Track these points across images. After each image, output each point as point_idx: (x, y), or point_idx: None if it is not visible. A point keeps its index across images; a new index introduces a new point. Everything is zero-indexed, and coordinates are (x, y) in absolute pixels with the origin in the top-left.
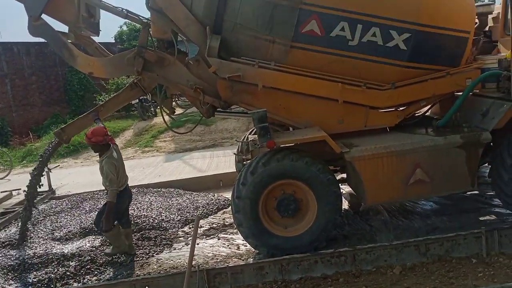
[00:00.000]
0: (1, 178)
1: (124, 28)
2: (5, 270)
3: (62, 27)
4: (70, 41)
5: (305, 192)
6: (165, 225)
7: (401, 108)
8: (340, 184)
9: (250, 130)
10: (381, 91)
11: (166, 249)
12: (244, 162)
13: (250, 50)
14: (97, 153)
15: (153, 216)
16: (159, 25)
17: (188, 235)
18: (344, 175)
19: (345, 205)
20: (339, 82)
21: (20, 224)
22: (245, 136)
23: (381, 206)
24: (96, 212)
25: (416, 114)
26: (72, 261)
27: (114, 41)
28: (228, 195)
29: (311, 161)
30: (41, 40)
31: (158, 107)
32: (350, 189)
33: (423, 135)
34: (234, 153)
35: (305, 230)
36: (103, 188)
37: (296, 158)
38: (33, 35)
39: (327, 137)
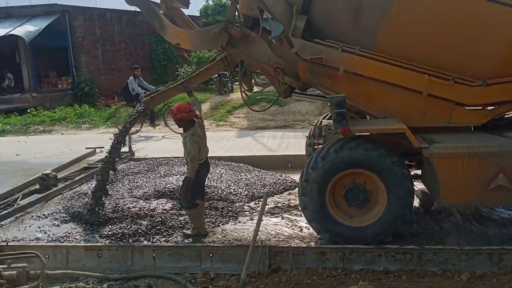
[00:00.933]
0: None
1: (210, 2)
2: (82, 221)
3: None
4: (161, 11)
5: (376, 184)
6: (232, 198)
7: (490, 108)
8: (413, 180)
9: (325, 115)
10: (470, 87)
11: (231, 221)
12: (315, 147)
13: (336, 33)
14: (180, 128)
15: (222, 188)
16: (246, 1)
17: (253, 211)
18: (419, 172)
19: (416, 202)
20: (426, 73)
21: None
22: (318, 120)
23: (454, 208)
24: (180, 188)
25: (506, 116)
26: (144, 220)
27: (199, 15)
28: (295, 176)
29: (385, 152)
30: (132, 8)
31: (236, 83)
32: (423, 186)
33: (511, 138)
34: (306, 136)
35: (372, 222)
36: (178, 155)
37: (370, 148)
38: (129, 3)
39: (406, 129)
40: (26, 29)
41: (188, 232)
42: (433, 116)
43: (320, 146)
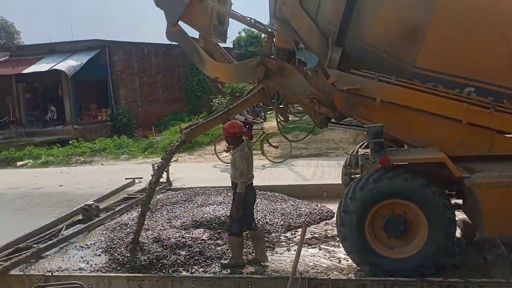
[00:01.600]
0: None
1: (243, 34)
2: (121, 249)
3: (193, 33)
4: (200, 46)
5: (416, 215)
6: (268, 228)
7: None
8: (454, 210)
9: (361, 144)
10: (511, 115)
11: (268, 251)
12: (352, 176)
13: (371, 64)
14: (230, 145)
15: (258, 218)
16: (282, 34)
17: (290, 241)
18: (460, 201)
19: (457, 232)
20: (465, 102)
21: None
22: (354, 149)
23: (498, 238)
24: (229, 212)
25: None
26: (183, 250)
27: (232, 46)
28: (331, 206)
29: (426, 182)
30: (168, 41)
31: (268, 111)
32: (465, 216)
33: None
34: (342, 165)
35: (413, 253)
36: (214, 185)
37: (410, 178)
38: (169, 39)
39: (446, 159)
40: (68, 64)
41: (226, 262)
42: (474, 145)
43: (357, 176)
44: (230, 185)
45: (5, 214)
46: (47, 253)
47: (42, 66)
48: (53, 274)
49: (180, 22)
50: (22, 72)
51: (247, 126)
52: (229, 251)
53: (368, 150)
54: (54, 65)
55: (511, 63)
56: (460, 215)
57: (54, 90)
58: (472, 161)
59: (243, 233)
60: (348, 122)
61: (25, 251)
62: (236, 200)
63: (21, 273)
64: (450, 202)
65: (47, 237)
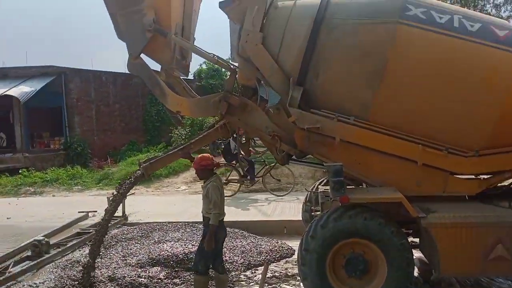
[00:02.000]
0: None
1: (204, 66)
2: None
3: (155, 65)
4: (161, 79)
5: (376, 254)
6: (228, 266)
7: (484, 177)
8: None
9: (321, 180)
10: (464, 158)
11: None
12: (312, 213)
13: (331, 103)
14: (201, 179)
15: None
16: (245, 72)
17: (250, 280)
18: (416, 240)
19: (415, 272)
20: (420, 143)
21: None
22: (314, 186)
23: (454, 278)
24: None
25: (500, 185)
26: None
27: (193, 78)
28: (291, 243)
29: (384, 222)
30: (127, 71)
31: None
32: (421, 255)
33: (506, 208)
34: (303, 202)
35: None
36: (171, 220)
37: (369, 217)
38: (130, 71)
39: (403, 199)
40: (21, 90)
41: None
42: (429, 186)
43: (318, 213)
44: (188, 220)
45: None
46: None
47: None
48: None
49: (142, 55)
50: None
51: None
52: None
53: (328, 187)
54: (6, 91)
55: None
56: (417, 254)
57: (5, 116)
58: (428, 201)
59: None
60: (309, 160)
61: None
62: (209, 232)
63: None
64: (408, 242)
65: None
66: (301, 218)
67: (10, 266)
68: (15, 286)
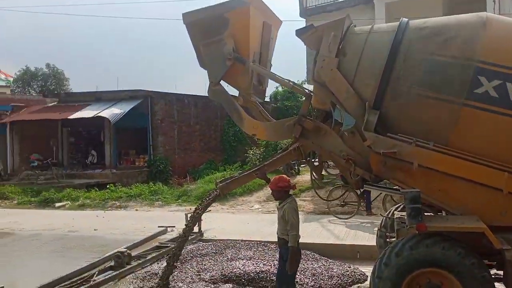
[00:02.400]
0: None
1: (280, 89)
2: None
3: (233, 90)
4: (239, 103)
5: (454, 285)
6: None
7: None
8: (494, 283)
9: (397, 206)
10: None
11: None
12: (388, 240)
13: (409, 127)
14: (277, 200)
15: None
16: (320, 96)
17: None
18: (500, 272)
19: None
20: (506, 171)
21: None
22: (390, 211)
23: None
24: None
25: None
26: None
27: (269, 100)
28: (364, 268)
29: (465, 253)
30: (206, 94)
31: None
32: None
33: None
34: (378, 228)
35: None
36: (244, 238)
37: (448, 247)
38: (211, 97)
39: (486, 229)
40: (112, 112)
41: None
42: None
43: (392, 239)
44: (260, 239)
45: (40, 255)
46: None
47: (87, 113)
48: None
49: (221, 81)
50: (68, 117)
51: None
52: None
53: (404, 213)
54: (99, 112)
55: None
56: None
57: (97, 135)
58: None
59: None
60: (384, 185)
61: None
62: (290, 254)
63: None
64: (490, 275)
65: (79, 281)
66: (375, 243)
67: (95, 275)
68: None
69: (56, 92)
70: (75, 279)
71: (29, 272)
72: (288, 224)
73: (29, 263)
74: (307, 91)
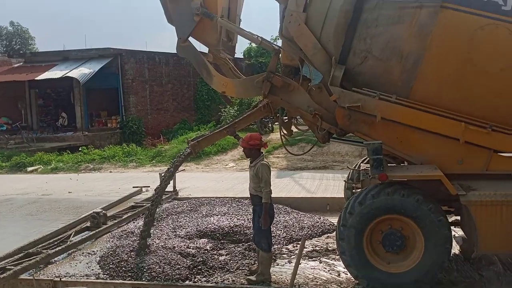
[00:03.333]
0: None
1: (253, 45)
2: (125, 256)
3: (203, 47)
4: (209, 60)
5: (413, 230)
6: None
7: None
8: (452, 227)
9: (363, 158)
10: (508, 135)
11: None
12: (354, 190)
13: (373, 81)
14: (249, 158)
15: None
16: (288, 52)
17: (292, 253)
18: (458, 217)
19: (456, 249)
20: (463, 121)
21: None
22: (357, 164)
23: (495, 256)
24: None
25: None
26: (187, 259)
27: (242, 57)
28: (334, 219)
29: (422, 199)
30: None
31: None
32: (463, 233)
33: None
34: (344, 180)
35: (409, 268)
36: (219, 195)
37: (407, 194)
38: (179, 54)
39: (443, 177)
40: (81, 71)
41: (253, 278)
42: (471, 163)
43: (359, 190)
44: (234, 195)
45: (15, 219)
46: (55, 258)
47: (55, 73)
48: (61, 279)
49: (190, 38)
50: (35, 78)
51: None
52: (231, 261)
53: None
54: (67, 72)
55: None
56: (459, 232)
57: (66, 96)
58: (468, 179)
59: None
60: (349, 138)
61: (35, 257)
62: (264, 210)
63: (31, 277)
64: (446, 218)
65: (56, 243)
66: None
67: (72, 236)
68: (75, 253)
69: (21, 52)
70: (52, 240)
71: (5, 235)
72: (262, 181)
73: (4, 227)
74: (275, 47)
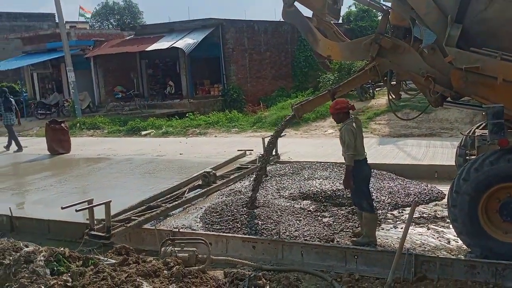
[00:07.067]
0: None
1: (353, 8)
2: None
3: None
4: (313, 25)
5: None
6: (375, 205)
7: None
8: None
9: (478, 124)
10: None
11: None
12: (467, 158)
13: (493, 41)
14: (339, 123)
15: None
16: (398, 12)
17: (397, 219)
18: None
19: None
20: None
21: (253, 182)
22: (471, 130)
23: None
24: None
25: None
26: (293, 218)
27: (341, 22)
28: (442, 187)
29: None
30: (276, 19)
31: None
32: None
33: None
34: (456, 146)
35: None
36: (320, 160)
37: None
38: (285, 19)
39: None
40: (186, 42)
41: (358, 239)
42: None
43: (473, 157)
44: (336, 161)
45: (135, 176)
46: (173, 212)
47: (162, 44)
48: (179, 230)
49: (295, 2)
50: (145, 49)
51: None
52: (335, 223)
53: (486, 131)
54: (173, 43)
55: None
56: None
57: (172, 66)
58: None
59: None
60: (465, 102)
61: (155, 209)
62: (345, 173)
63: (153, 227)
64: None
65: (172, 198)
66: (454, 163)
67: (186, 192)
68: (189, 208)
69: (131, 25)
70: (169, 195)
71: (127, 190)
72: (345, 144)
73: (126, 183)
74: (384, 7)
